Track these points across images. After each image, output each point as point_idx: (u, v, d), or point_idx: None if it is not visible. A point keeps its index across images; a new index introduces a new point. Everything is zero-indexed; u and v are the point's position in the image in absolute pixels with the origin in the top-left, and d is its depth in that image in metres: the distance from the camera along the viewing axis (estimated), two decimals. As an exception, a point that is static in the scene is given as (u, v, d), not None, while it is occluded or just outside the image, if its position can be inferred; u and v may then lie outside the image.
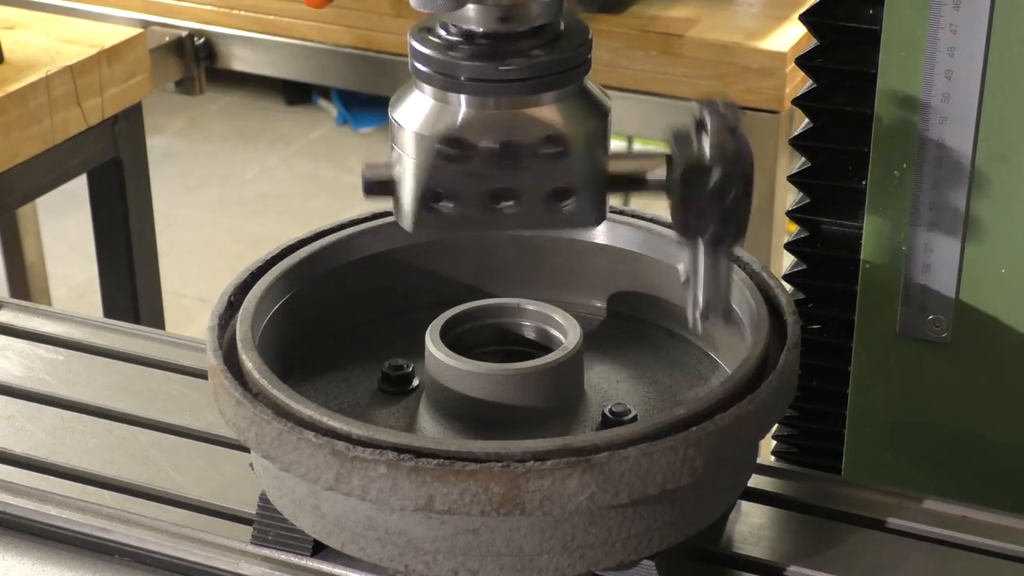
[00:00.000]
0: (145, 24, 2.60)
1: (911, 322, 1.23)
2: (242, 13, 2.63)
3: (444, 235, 1.20)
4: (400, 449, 0.95)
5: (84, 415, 1.24)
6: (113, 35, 2.25)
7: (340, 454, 0.96)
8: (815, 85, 1.23)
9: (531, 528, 0.97)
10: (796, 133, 1.25)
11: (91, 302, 3.39)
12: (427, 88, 1.01)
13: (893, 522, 1.12)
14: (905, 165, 1.18)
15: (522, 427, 1.06)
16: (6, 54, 2.14)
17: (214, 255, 4.18)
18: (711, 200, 0.96)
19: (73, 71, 2.14)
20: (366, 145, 4.82)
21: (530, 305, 1.15)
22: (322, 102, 5.07)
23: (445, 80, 1.00)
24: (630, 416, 1.08)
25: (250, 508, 1.09)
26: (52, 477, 1.16)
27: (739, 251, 1.16)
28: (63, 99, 2.13)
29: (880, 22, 1.15)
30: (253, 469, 1.08)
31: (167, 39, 2.64)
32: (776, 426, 1.28)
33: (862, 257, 1.23)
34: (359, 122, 4.92)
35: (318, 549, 1.07)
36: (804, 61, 1.22)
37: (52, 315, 1.39)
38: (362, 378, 1.16)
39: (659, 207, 1.08)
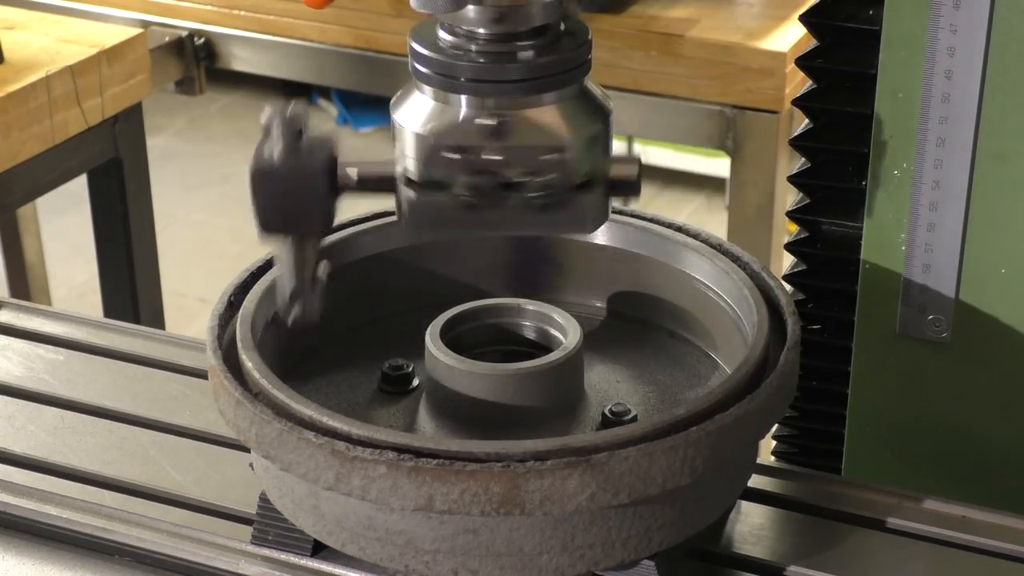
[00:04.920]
0: (145, 24, 2.59)
1: (911, 322, 1.22)
2: (242, 13, 2.63)
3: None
4: (400, 449, 0.95)
5: (84, 415, 1.24)
6: (113, 35, 2.25)
7: (340, 454, 0.96)
8: (815, 85, 1.23)
9: (531, 528, 0.97)
10: (796, 133, 1.25)
11: (91, 302, 3.39)
12: (427, 89, 1.01)
13: (893, 522, 1.12)
14: (905, 165, 1.18)
15: (522, 427, 1.05)
16: (6, 54, 2.14)
17: (214, 255, 4.18)
18: None
19: (73, 71, 2.14)
20: (366, 145, 4.82)
21: (530, 305, 1.15)
22: (322, 102, 5.07)
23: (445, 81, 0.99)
24: (630, 416, 1.07)
25: (250, 508, 1.09)
26: (52, 477, 1.16)
27: (739, 251, 1.16)
28: (63, 99, 2.13)
29: (880, 22, 1.15)
30: (253, 469, 1.08)
31: (167, 39, 2.64)
32: (776, 426, 1.28)
33: (862, 257, 1.23)
34: (359, 122, 4.92)
35: (318, 549, 1.07)
36: (804, 61, 1.22)
37: (52, 315, 1.39)
38: (362, 378, 1.16)
39: (658, 208, 1.08)
